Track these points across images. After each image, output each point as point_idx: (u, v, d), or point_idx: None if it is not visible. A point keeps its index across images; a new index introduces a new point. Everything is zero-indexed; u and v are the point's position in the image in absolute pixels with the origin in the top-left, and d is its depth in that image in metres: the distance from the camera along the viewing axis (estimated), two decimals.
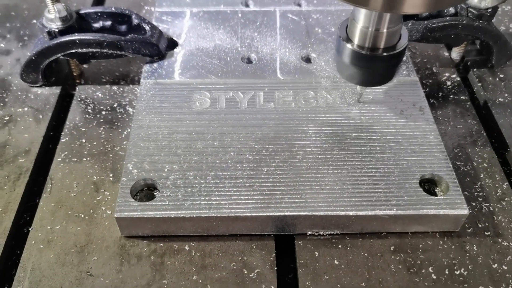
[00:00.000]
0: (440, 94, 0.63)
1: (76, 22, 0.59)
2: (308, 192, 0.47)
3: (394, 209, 0.46)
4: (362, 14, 0.47)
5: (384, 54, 0.48)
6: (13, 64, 0.66)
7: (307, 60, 0.62)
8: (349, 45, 0.48)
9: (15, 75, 0.64)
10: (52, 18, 0.57)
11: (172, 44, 0.64)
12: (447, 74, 0.66)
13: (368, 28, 0.47)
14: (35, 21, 0.73)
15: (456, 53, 0.67)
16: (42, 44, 0.59)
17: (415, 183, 0.48)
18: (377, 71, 0.50)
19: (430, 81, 0.65)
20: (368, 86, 0.54)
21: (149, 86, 0.58)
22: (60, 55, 0.59)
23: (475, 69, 0.66)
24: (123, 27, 0.61)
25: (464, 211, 0.46)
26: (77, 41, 0.57)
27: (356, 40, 0.48)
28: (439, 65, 0.67)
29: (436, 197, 0.47)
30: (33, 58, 0.59)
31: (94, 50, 0.58)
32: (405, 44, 0.49)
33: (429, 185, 0.50)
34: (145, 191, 0.49)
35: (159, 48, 0.60)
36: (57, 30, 0.57)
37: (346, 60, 0.49)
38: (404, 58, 0.61)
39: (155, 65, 0.60)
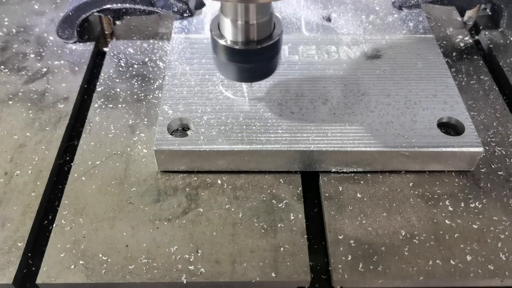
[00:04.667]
0: (454, 54, 0.66)
1: None
2: (333, 131, 0.51)
3: (415, 147, 0.50)
4: (228, 8, 0.45)
5: (259, 46, 0.46)
6: (47, 24, 0.70)
7: (328, 19, 0.65)
8: (222, 42, 0.47)
9: (50, 33, 0.68)
10: None
11: (199, 4, 0.67)
12: (460, 37, 0.69)
13: (238, 22, 0.45)
14: None
15: (468, 17, 0.70)
16: (79, 0, 0.62)
17: (434, 125, 0.52)
18: (257, 65, 0.48)
19: (444, 42, 0.68)
20: (248, 81, 0.52)
21: (180, 40, 0.61)
22: (95, 10, 0.62)
23: (486, 32, 0.69)
24: None
25: (480, 149, 0.50)
26: None
27: (229, 35, 0.46)
28: (453, 28, 0.70)
29: (453, 137, 0.51)
30: (70, 13, 0.63)
31: (127, 5, 0.61)
32: (280, 33, 0.47)
33: (446, 128, 0.53)
34: (179, 131, 0.53)
35: (189, 5, 0.63)
36: None
37: (222, 57, 0.48)
38: (420, 19, 0.65)
39: (185, 22, 0.64)
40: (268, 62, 0.49)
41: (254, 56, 0.47)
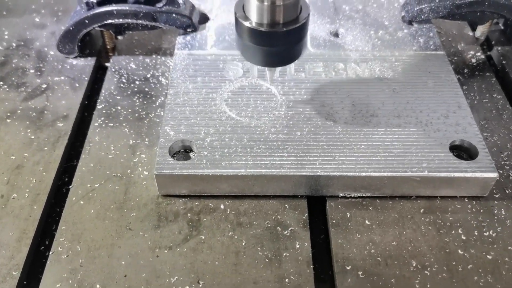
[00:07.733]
0: (466, 70, 0.64)
1: None
2: (341, 155, 0.49)
3: (426, 172, 0.48)
4: None
5: (284, 29, 0.45)
6: (48, 37, 0.68)
7: (336, 35, 0.63)
8: (247, 23, 0.45)
9: (51, 47, 0.66)
10: None
11: (203, 19, 0.65)
12: (471, 52, 0.67)
13: (264, 2, 0.43)
14: None
15: (480, 32, 0.68)
16: (79, 15, 0.61)
17: (445, 148, 0.50)
18: (280, 49, 0.47)
19: (455, 58, 0.66)
20: (273, 66, 0.51)
21: (183, 57, 0.60)
22: (97, 25, 0.60)
23: (499, 48, 0.67)
24: (157, 1, 0.63)
25: (494, 174, 0.48)
26: (114, 12, 0.59)
27: (254, 17, 0.45)
28: (464, 43, 0.68)
29: (466, 161, 0.49)
30: (71, 28, 0.61)
31: (130, 21, 0.60)
32: (306, 17, 0.46)
33: (458, 151, 0.51)
34: (181, 153, 0.51)
35: (192, 20, 0.62)
36: (95, 1, 0.59)
37: (246, 39, 0.46)
38: (431, 34, 0.63)
39: (188, 37, 0.62)
40: (294, 46, 0.47)
41: (279, 39, 0.46)
